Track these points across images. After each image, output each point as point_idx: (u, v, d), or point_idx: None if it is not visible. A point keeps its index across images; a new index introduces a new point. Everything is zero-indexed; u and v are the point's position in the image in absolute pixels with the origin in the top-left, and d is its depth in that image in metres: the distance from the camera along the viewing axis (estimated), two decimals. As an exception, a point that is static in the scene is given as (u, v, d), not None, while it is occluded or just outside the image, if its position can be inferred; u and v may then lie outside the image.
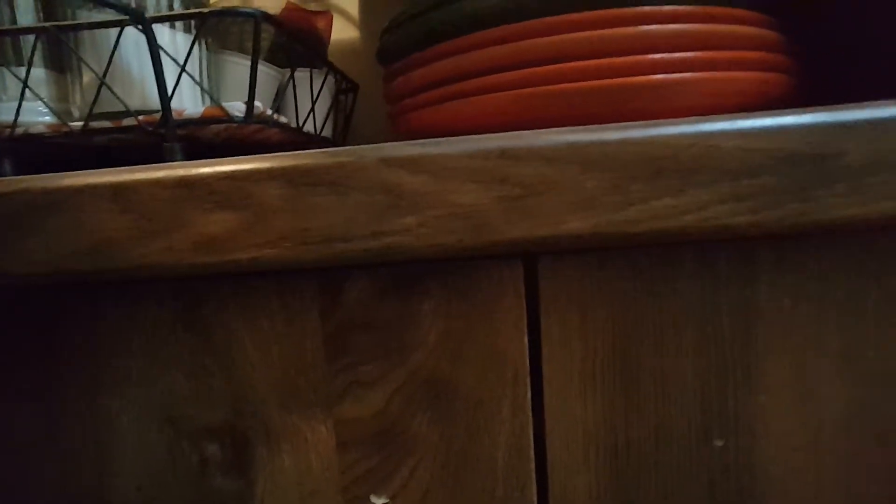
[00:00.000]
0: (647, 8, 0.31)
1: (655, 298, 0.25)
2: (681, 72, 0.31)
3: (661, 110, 0.32)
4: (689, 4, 0.32)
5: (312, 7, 0.65)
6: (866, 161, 0.22)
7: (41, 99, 0.31)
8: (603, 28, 0.31)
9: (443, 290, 0.25)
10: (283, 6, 0.53)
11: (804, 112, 0.22)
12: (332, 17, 0.51)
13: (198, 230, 0.24)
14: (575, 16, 0.31)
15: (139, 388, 0.28)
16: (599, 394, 0.26)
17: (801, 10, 0.38)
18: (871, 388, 0.26)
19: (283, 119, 0.35)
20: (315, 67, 0.44)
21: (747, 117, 0.22)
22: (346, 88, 0.52)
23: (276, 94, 0.39)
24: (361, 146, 0.24)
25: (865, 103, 0.22)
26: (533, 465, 0.27)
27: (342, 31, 0.66)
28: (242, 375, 0.27)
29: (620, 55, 0.31)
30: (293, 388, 0.27)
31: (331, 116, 0.48)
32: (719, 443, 0.26)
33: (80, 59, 0.30)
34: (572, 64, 0.31)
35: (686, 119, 0.23)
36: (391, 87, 0.39)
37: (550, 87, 0.31)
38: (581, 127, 0.23)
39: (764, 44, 0.33)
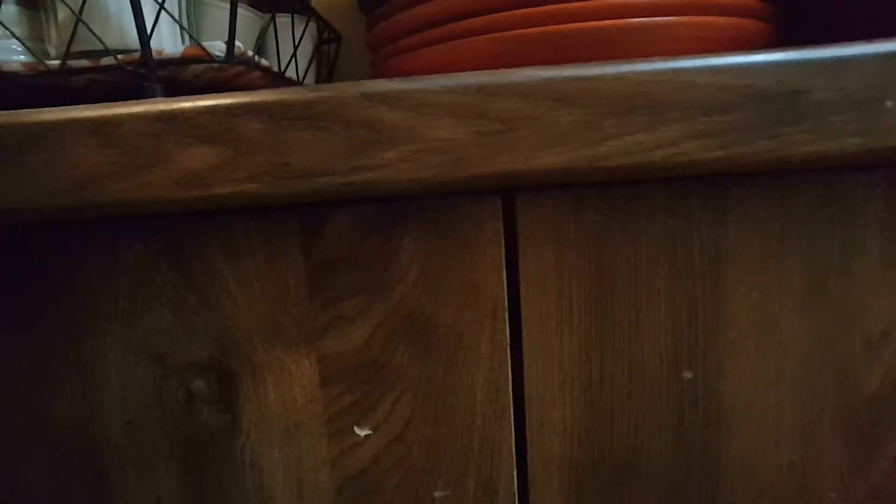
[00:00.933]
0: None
1: (629, 236, 0.26)
2: (658, 15, 0.31)
3: (638, 54, 0.32)
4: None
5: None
6: (831, 99, 0.22)
7: (15, 36, 0.30)
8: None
9: (423, 227, 0.26)
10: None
11: (774, 51, 0.23)
12: (314, -35, 0.51)
13: (178, 165, 0.24)
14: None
15: (124, 326, 0.28)
16: (575, 329, 0.27)
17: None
18: (832, 323, 0.27)
19: (264, 62, 0.35)
20: (297, 13, 0.44)
21: (719, 55, 0.23)
22: (329, 38, 0.51)
23: (258, 37, 0.38)
24: (342, 82, 0.24)
25: (832, 44, 0.23)
26: (511, 398, 0.28)
27: (325, -17, 0.65)
28: (226, 312, 0.28)
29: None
30: (277, 324, 0.28)
31: (313, 66, 0.48)
32: (688, 375, 0.28)
33: (55, -4, 0.30)
34: (552, 7, 0.31)
35: (660, 57, 0.23)
36: (372, 34, 0.38)
37: (529, 31, 0.31)
38: (557, 65, 0.24)
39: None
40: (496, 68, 0.32)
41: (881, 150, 0.23)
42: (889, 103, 0.22)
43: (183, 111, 0.24)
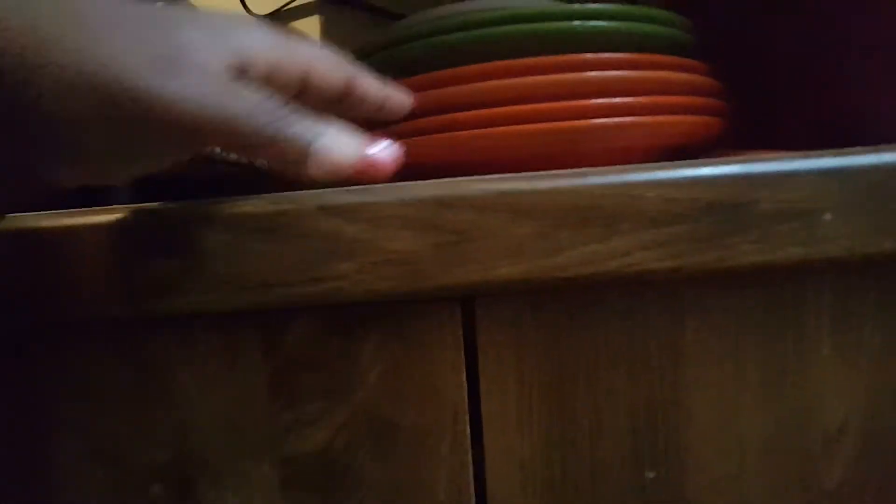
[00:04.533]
0: (590, 55, 0.33)
1: (588, 338, 0.26)
2: (621, 116, 0.32)
3: (601, 151, 0.33)
4: (629, 51, 0.33)
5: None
6: (774, 210, 0.23)
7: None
8: (548, 73, 0.32)
9: (383, 332, 0.26)
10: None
11: (720, 163, 0.24)
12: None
13: (137, 275, 0.24)
14: (521, 61, 0.32)
15: (81, 430, 0.27)
16: (536, 430, 0.27)
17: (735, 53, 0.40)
18: (790, 419, 0.27)
19: (232, 156, 0.35)
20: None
21: (668, 168, 0.24)
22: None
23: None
24: (301, 192, 0.24)
25: (774, 155, 0.24)
26: (473, 501, 0.28)
27: (301, 57, 0.67)
28: (185, 416, 0.27)
29: (565, 99, 0.32)
30: (237, 428, 0.27)
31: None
32: (651, 475, 0.27)
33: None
34: (516, 107, 0.32)
35: (611, 168, 0.24)
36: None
37: (496, 130, 0.32)
38: (512, 175, 0.24)
39: (700, 89, 0.35)
40: (466, 163, 0.33)
41: (822, 260, 0.24)
42: (827, 216, 0.23)
43: (140, 222, 0.24)
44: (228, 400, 0.27)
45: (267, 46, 0.23)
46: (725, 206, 0.24)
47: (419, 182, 0.24)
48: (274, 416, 0.27)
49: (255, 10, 0.70)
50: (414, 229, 0.23)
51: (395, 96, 0.29)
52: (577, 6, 0.34)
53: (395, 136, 0.34)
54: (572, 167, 0.32)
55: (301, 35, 0.26)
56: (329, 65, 0.26)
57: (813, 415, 0.27)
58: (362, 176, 0.24)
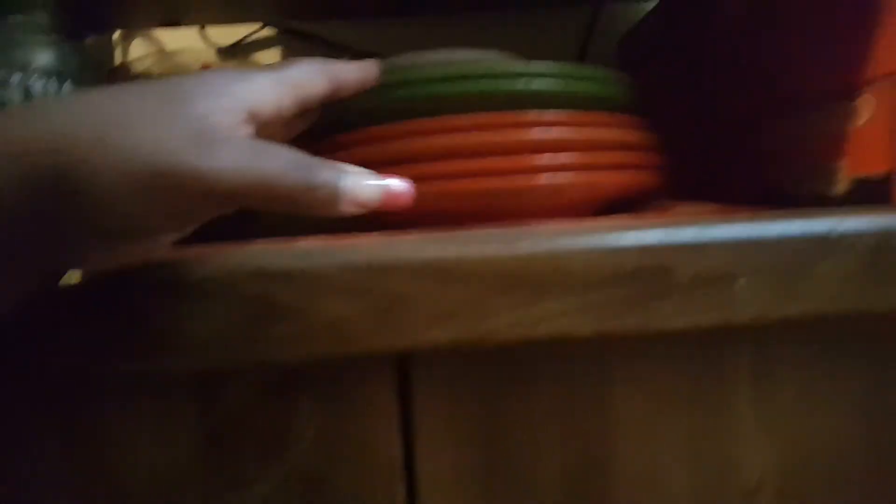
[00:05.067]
0: (530, 114, 0.34)
1: (520, 398, 0.27)
2: (560, 172, 0.34)
3: (539, 207, 0.34)
4: (571, 108, 0.35)
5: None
6: (692, 276, 0.25)
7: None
8: (489, 130, 0.33)
9: (318, 393, 0.26)
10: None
11: (642, 229, 0.25)
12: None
13: (71, 336, 0.24)
14: (462, 119, 0.33)
15: (11, 494, 0.27)
16: (473, 488, 0.27)
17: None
18: (713, 475, 0.28)
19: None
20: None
21: (593, 234, 0.25)
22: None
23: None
24: (237, 255, 0.24)
25: (693, 221, 0.25)
26: (409, 558, 0.28)
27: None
28: (120, 478, 0.27)
29: (504, 156, 0.33)
30: (171, 488, 0.27)
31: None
32: (584, 530, 0.28)
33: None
34: (454, 163, 0.33)
35: (540, 232, 0.25)
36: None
37: (436, 186, 0.33)
38: (445, 237, 0.25)
39: (637, 146, 0.37)
40: (400, 217, 0.34)
41: (738, 324, 0.25)
42: (742, 281, 0.25)
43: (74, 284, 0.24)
44: (163, 461, 0.27)
45: (265, 91, 0.24)
46: (647, 273, 0.25)
47: (352, 246, 0.25)
48: (209, 476, 0.27)
49: (216, 42, 0.71)
50: (348, 294, 0.24)
51: (366, 69, 0.31)
52: (520, 65, 0.35)
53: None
54: (511, 221, 0.33)
55: (277, 63, 0.28)
56: (311, 76, 0.27)
57: (732, 471, 0.28)
58: (388, 207, 0.25)
